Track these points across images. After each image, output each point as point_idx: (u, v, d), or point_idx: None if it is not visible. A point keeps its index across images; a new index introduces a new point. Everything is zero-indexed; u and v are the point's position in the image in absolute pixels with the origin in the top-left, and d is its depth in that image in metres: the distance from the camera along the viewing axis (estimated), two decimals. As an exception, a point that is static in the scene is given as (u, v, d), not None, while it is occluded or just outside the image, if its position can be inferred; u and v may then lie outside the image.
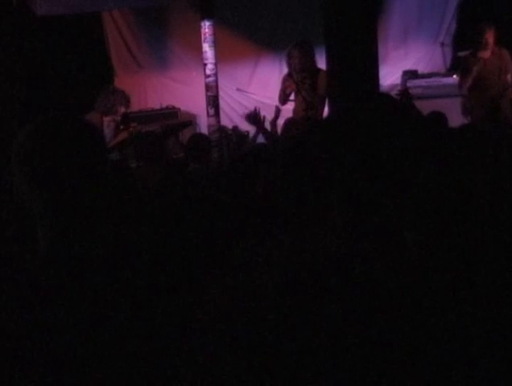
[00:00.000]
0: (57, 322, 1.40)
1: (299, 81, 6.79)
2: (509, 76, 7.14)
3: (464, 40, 8.68)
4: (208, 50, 8.11)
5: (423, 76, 8.48)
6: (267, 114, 6.22)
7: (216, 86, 8.24)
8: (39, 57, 7.58)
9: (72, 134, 1.52)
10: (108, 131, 6.33)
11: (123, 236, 1.60)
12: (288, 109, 7.05)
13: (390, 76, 8.99)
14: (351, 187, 1.26)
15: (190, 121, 7.92)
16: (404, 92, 5.31)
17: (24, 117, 6.51)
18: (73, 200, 1.50)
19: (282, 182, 2.65)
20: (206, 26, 8.10)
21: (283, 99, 6.96)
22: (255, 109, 5.96)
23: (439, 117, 4.59)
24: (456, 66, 8.74)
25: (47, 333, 1.39)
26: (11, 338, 1.39)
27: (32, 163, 1.49)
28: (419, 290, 0.92)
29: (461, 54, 8.68)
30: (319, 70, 6.73)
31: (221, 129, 7.72)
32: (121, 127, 6.34)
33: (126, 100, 6.36)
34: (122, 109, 6.29)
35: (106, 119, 6.32)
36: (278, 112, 6.41)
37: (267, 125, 6.05)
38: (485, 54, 7.06)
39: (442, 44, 9.36)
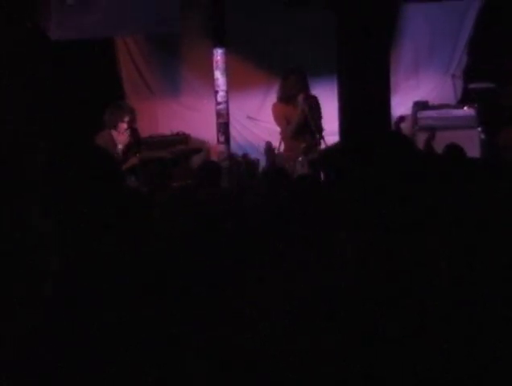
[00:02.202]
0: (71, 339, 1.45)
1: (309, 108, 6.66)
2: None
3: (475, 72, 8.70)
4: (219, 77, 8.15)
5: (434, 108, 8.48)
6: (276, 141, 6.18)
7: (227, 113, 8.27)
8: (52, 80, 7.64)
9: (88, 160, 1.54)
10: (121, 146, 6.40)
11: (133, 259, 1.61)
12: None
13: (400, 107, 8.99)
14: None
15: (200, 148, 7.93)
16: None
17: (35, 139, 6.53)
18: (86, 223, 1.51)
19: (294, 211, 2.64)
20: (218, 54, 8.15)
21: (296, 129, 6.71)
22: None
23: (457, 151, 4.54)
24: (466, 98, 8.74)
25: (59, 347, 1.44)
26: (18, 345, 1.43)
27: (46, 187, 1.50)
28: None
29: (472, 86, 8.69)
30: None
31: (231, 157, 7.73)
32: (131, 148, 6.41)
33: (129, 110, 6.44)
34: (127, 118, 6.34)
35: (115, 133, 6.37)
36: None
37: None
38: None
39: (453, 76, 9.36)
